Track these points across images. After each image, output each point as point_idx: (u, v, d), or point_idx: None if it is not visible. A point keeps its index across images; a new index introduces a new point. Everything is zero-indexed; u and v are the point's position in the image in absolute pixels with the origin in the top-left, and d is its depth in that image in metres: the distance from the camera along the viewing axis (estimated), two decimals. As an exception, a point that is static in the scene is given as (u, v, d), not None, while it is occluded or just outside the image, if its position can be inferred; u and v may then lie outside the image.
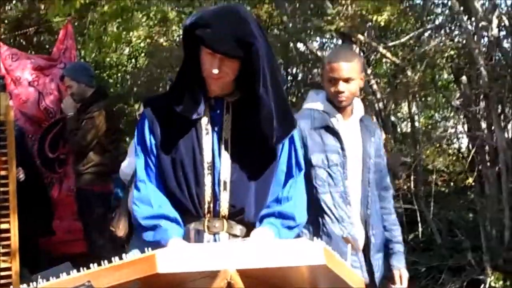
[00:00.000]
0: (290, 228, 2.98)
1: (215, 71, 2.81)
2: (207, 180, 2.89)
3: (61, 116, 6.79)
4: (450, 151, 9.98)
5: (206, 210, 2.90)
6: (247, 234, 2.93)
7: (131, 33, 10.48)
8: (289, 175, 3.03)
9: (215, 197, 2.90)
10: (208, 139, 2.92)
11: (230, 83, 2.91)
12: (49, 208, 6.86)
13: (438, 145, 9.38)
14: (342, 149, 3.79)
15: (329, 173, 3.78)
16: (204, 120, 2.93)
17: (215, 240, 2.90)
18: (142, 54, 12.30)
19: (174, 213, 2.93)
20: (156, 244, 2.82)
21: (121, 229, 5.00)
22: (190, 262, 2.34)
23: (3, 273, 5.36)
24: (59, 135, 6.92)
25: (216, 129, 2.93)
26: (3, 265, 5.45)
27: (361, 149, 3.89)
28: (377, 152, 3.97)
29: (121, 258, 2.38)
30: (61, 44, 7.35)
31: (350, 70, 3.77)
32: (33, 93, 6.96)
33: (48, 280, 2.45)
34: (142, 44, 11.74)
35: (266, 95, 2.83)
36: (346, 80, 3.76)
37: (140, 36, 11.23)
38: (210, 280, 2.38)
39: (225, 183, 2.89)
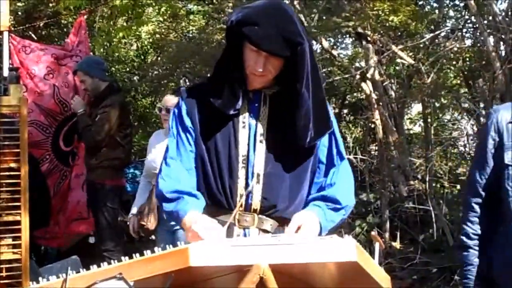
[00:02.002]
0: (335, 210, 2.94)
1: (260, 69, 2.80)
2: (241, 173, 2.88)
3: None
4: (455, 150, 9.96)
5: (238, 203, 2.88)
6: (278, 229, 2.92)
7: (140, 28, 10.46)
8: (330, 165, 3.01)
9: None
10: (244, 132, 2.91)
11: (271, 79, 2.90)
12: (47, 199, 6.84)
13: (450, 146, 9.32)
14: None
15: None
16: (242, 113, 2.92)
17: (244, 235, 2.88)
18: (151, 50, 12.30)
19: (198, 192, 2.92)
20: (175, 215, 2.87)
21: (152, 222, 5.04)
22: (223, 256, 2.33)
23: (13, 265, 5.32)
24: (74, 128, 6.87)
25: (253, 121, 2.92)
26: (14, 256, 5.42)
27: None
28: None
29: (141, 254, 2.37)
30: (74, 36, 7.28)
31: None
32: (48, 86, 6.90)
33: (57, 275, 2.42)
34: (150, 40, 11.73)
35: (307, 94, 2.83)
36: None
37: (150, 31, 11.22)
38: (242, 275, 2.36)
39: (258, 175, 2.88)
